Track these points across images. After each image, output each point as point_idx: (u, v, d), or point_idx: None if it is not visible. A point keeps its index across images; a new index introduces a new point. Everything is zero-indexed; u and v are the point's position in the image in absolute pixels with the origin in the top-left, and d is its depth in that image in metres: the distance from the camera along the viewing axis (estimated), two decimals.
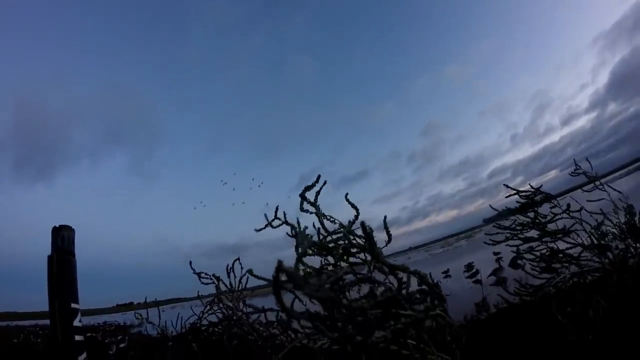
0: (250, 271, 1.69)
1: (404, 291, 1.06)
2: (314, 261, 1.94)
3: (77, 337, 1.73)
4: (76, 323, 1.74)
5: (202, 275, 3.21)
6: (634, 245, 3.17)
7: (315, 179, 1.46)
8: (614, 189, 3.57)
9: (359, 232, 1.55)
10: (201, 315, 4.40)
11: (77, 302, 1.75)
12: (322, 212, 1.60)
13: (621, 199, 3.56)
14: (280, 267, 0.75)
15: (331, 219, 1.63)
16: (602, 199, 3.49)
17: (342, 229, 1.56)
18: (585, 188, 3.56)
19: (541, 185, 3.03)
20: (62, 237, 1.83)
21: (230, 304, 3.24)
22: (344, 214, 1.70)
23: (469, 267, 6.40)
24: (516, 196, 3.16)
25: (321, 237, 1.63)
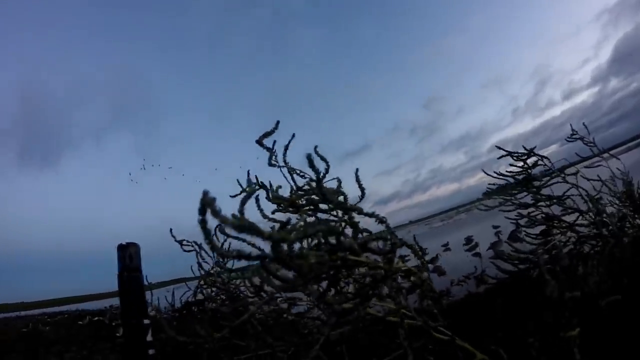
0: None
1: (360, 238, 0.97)
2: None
3: (150, 352, 1.74)
4: (148, 338, 1.74)
5: (184, 242, 3.16)
6: (631, 214, 3.07)
7: (274, 126, 1.36)
8: (613, 156, 3.44)
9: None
10: (195, 289, 4.40)
11: (147, 317, 1.75)
12: (291, 166, 1.51)
13: (619, 169, 3.44)
14: (205, 200, 0.65)
15: (301, 174, 1.54)
16: (600, 165, 3.36)
17: (310, 184, 1.48)
18: (587, 161, 3.44)
19: (535, 147, 2.91)
20: (129, 255, 1.81)
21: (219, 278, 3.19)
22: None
23: (468, 240, 6.33)
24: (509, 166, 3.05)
25: (292, 194, 1.54)
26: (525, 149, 2.88)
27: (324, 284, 1.06)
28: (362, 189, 1.44)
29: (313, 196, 1.40)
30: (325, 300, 0.99)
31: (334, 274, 0.99)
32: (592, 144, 3.49)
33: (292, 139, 1.51)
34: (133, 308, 1.75)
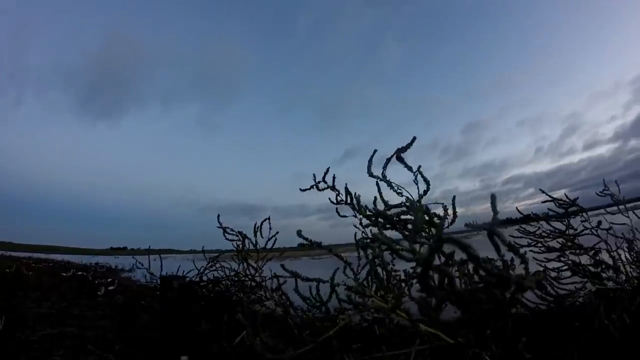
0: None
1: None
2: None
3: None
4: None
5: (228, 230, 3.16)
6: None
7: (410, 140, 1.40)
8: (638, 216, 3.57)
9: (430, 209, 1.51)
10: (202, 270, 4.39)
11: None
12: (390, 180, 1.56)
13: (638, 229, 3.57)
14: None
15: (399, 190, 1.59)
16: (624, 223, 3.49)
17: (408, 203, 1.53)
18: (609, 209, 3.56)
19: (577, 198, 3.02)
20: None
21: (251, 265, 3.21)
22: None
23: None
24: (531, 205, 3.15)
25: (383, 208, 1.59)
26: (568, 198, 2.98)
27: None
28: (428, 183, 1.52)
29: (409, 216, 1.45)
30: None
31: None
32: (620, 200, 3.61)
33: (374, 153, 1.54)
34: None
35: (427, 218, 1.32)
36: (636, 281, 3.00)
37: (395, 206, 1.60)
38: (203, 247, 4.07)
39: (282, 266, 1.81)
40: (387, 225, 1.50)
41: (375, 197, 1.68)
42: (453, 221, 1.46)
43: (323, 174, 2.00)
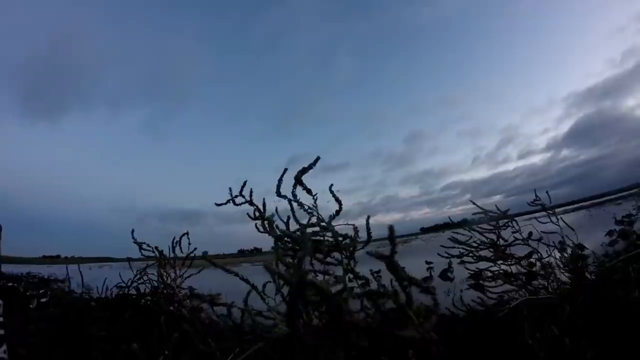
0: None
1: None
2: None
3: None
4: None
5: (144, 246, 2.86)
6: (576, 281, 3.33)
7: (313, 161, 1.26)
8: (567, 224, 3.72)
9: (340, 229, 1.39)
10: (129, 282, 4.05)
11: None
12: (301, 201, 1.41)
13: (568, 236, 3.73)
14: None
15: (310, 210, 1.45)
16: (554, 232, 3.63)
17: (319, 223, 1.39)
18: (538, 215, 3.69)
19: (508, 209, 3.07)
20: None
21: (168, 275, 2.95)
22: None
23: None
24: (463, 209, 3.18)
25: (292, 228, 1.45)
26: (499, 209, 3.02)
27: None
28: (339, 203, 1.42)
29: (324, 237, 1.32)
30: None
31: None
32: (549, 208, 3.76)
33: (304, 171, 1.40)
34: None
35: (339, 240, 1.19)
36: (567, 288, 3.09)
37: (309, 226, 1.46)
38: (129, 259, 3.73)
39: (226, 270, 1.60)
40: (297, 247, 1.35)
41: (289, 217, 1.54)
42: (367, 242, 1.34)
43: (240, 188, 1.82)
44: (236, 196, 1.84)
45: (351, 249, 1.26)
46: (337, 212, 1.37)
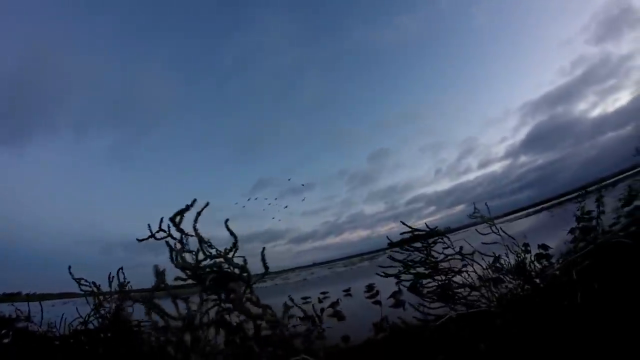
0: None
1: None
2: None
3: None
4: None
5: (82, 282, 2.90)
6: (522, 286, 3.50)
7: (190, 202, 1.37)
8: (506, 233, 3.95)
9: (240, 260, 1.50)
10: (87, 318, 4.01)
11: None
12: (202, 235, 1.52)
13: (514, 243, 3.94)
14: None
15: (208, 244, 1.55)
16: (496, 242, 3.84)
17: (218, 255, 1.49)
18: (479, 227, 3.90)
19: (436, 227, 3.24)
20: None
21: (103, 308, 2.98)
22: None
23: (370, 287, 6.73)
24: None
25: (197, 260, 1.54)
26: (428, 226, 3.20)
27: None
28: (235, 237, 1.52)
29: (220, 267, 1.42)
30: None
31: None
32: (489, 219, 3.98)
33: (205, 206, 1.52)
34: None
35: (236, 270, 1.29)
36: (497, 300, 3.24)
37: (213, 257, 1.56)
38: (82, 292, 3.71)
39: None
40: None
41: (198, 249, 1.63)
42: (264, 274, 1.44)
43: (159, 223, 1.90)
44: (157, 231, 1.92)
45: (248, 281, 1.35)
46: (234, 245, 1.48)
